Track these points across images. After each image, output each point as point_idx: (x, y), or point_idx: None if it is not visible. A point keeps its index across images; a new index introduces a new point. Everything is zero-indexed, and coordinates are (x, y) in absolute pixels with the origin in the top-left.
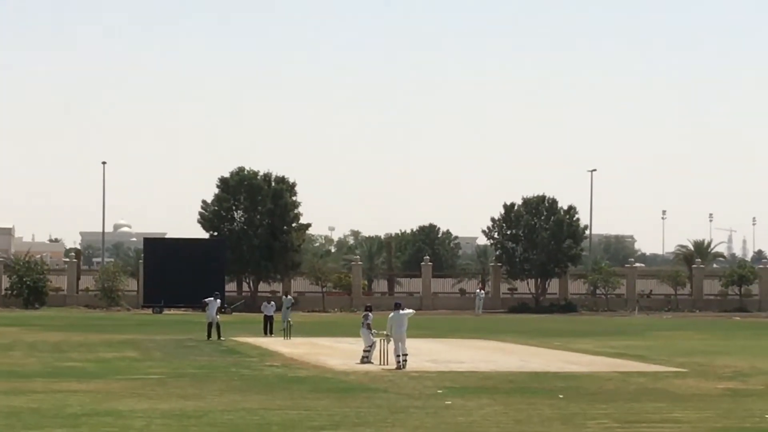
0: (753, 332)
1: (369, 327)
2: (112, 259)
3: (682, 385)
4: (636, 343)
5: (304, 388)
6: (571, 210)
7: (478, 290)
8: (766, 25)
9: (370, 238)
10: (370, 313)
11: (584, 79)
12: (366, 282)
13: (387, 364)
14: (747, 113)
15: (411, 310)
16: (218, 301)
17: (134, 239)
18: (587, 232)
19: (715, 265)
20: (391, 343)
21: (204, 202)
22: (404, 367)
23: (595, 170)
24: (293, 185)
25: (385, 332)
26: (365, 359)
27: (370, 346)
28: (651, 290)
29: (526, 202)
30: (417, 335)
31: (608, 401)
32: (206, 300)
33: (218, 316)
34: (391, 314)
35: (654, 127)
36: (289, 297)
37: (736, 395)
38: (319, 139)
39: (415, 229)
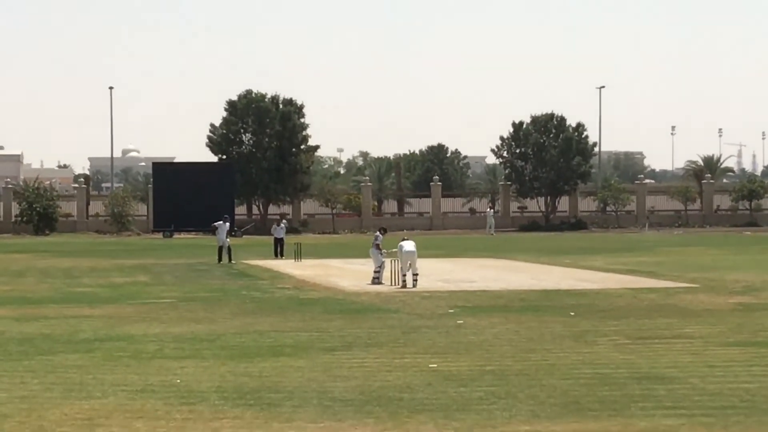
0: (764, 246)
1: (378, 247)
2: (122, 185)
3: (694, 301)
4: (646, 260)
5: (315, 310)
6: (580, 127)
7: (488, 210)
8: None
9: (379, 159)
10: (380, 235)
11: None
12: (376, 203)
13: (397, 284)
14: (757, 29)
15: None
16: (228, 224)
17: (143, 164)
18: (596, 149)
19: (725, 180)
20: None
21: (212, 125)
22: (415, 286)
23: (603, 87)
24: (301, 107)
25: (394, 250)
26: (376, 280)
27: (380, 267)
28: (653, 207)
29: (535, 120)
30: (428, 255)
31: (619, 318)
32: (216, 224)
33: (228, 240)
34: (403, 245)
35: (663, 43)
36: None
37: (748, 309)
38: (326, 60)
39: (424, 149)
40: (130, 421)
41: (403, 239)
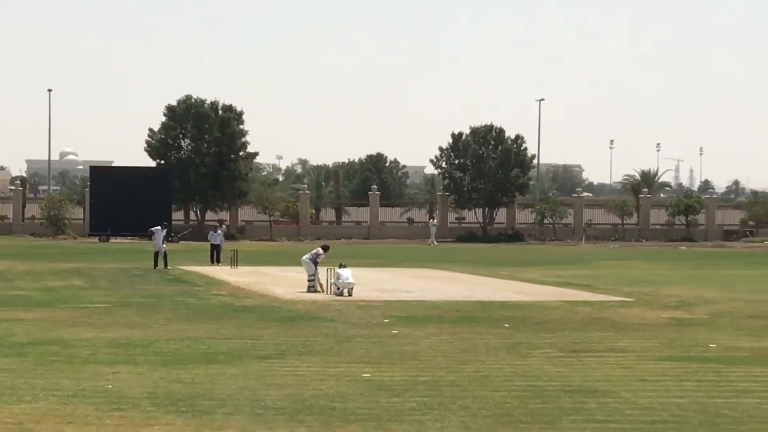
0: (699, 262)
1: (316, 264)
2: (58, 187)
3: (628, 315)
4: (583, 273)
5: (250, 318)
6: (519, 139)
7: (430, 220)
8: None
9: (318, 167)
10: (322, 252)
11: (531, 8)
12: (314, 211)
13: (331, 293)
14: (694, 42)
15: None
16: (165, 230)
17: (81, 167)
18: (535, 161)
19: (662, 195)
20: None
21: (151, 130)
22: (351, 295)
23: (543, 99)
24: (241, 114)
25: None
26: (311, 288)
27: (313, 274)
28: (591, 219)
29: (474, 131)
30: (365, 264)
31: (554, 330)
32: (153, 229)
33: (165, 245)
34: (340, 271)
35: (602, 57)
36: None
37: (681, 324)
38: (267, 67)
39: (363, 158)
40: (60, 426)
41: (341, 265)
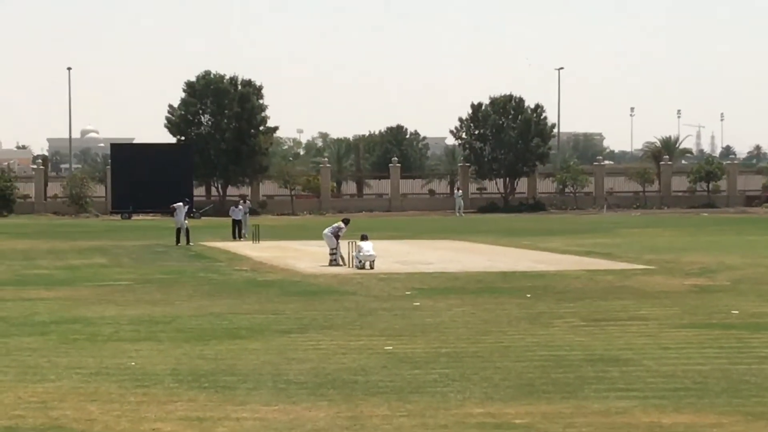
0: (720, 228)
1: (338, 237)
2: (80, 166)
3: (650, 282)
4: (604, 241)
5: (272, 292)
6: (539, 108)
7: (456, 191)
8: None
9: (338, 140)
10: (344, 225)
11: None
12: (335, 184)
13: (353, 266)
14: (716, 12)
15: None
16: (187, 206)
17: (102, 145)
18: (555, 130)
19: (683, 162)
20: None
21: (170, 106)
22: (372, 267)
23: (562, 68)
24: (260, 88)
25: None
26: (333, 262)
27: (335, 248)
28: (612, 188)
29: (494, 101)
30: (386, 237)
31: (575, 300)
32: (175, 205)
33: (187, 221)
34: (361, 244)
35: (621, 23)
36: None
37: (703, 291)
38: (285, 40)
39: (383, 131)
40: (84, 404)
41: (362, 237)
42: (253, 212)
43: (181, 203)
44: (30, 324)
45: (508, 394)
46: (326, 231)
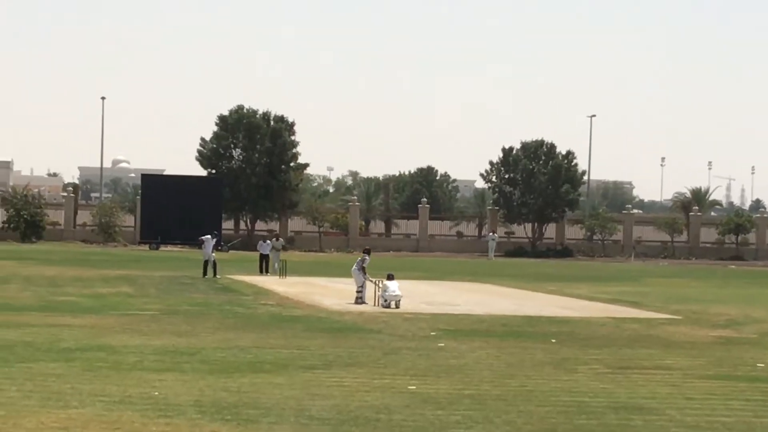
0: (748, 281)
1: (364, 270)
2: (110, 195)
3: (676, 332)
4: (631, 290)
5: (297, 328)
6: (570, 155)
7: (490, 234)
8: None
9: (368, 179)
10: (367, 257)
11: (585, 24)
12: (363, 223)
13: (379, 305)
14: (748, 62)
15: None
16: (215, 239)
17: (132, 175)
18: (585, 177)
19: (712, 213)
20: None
21: (203, 139)
22: (398, 307)
23: (594, 116)
24: (292, 124)
25: (372, 280)
26: (359, 300)
27: (362, 286)
28: (640, 236)
29: (525, 146)
30: (413, 277)
31: (601, 347)
32: (203, 238)
33: (214, 254)
34: (387, 283)
35: (654, 73)
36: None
37: (729, 343)
38: (319, 79)
39: (413, 171)
40: (106, 431)
41: (388, 276)
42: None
43: (209, 236)
44: (55, 350)
45: None
46: (354, 268)
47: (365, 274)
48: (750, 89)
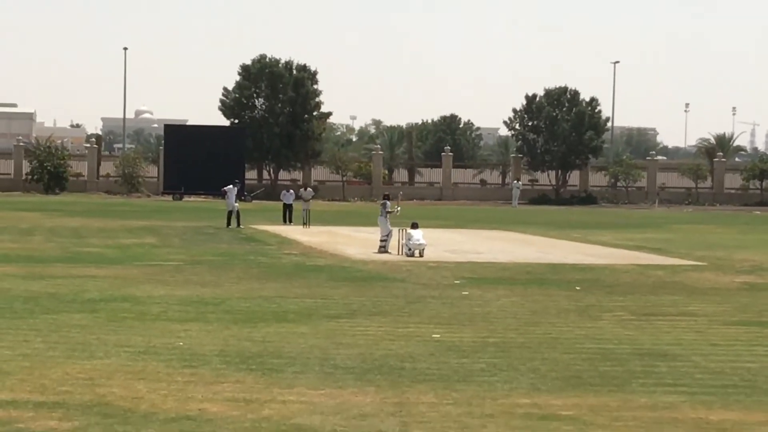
0: None
1: (387, 214)
2: (133, 146)
3: (700, 279)
4: (655, 236)
5: (321, 277)
6: (593, 102)
7: (514, 181)
8: None
9: (391, 128)
10: (387, 201)
11: None
12: (386, 171)
13: (402, 254)
14: None
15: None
16: (237, 189)
17: (155, 126)
18: (609, 124)
19: (737, 159)
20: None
21: (225, 89)
22: (422, 255)
23: (618, 62)
24: (315, 73)
25: (398, 208)
26: (383, 249)
27: (387, 235)
28: (664, 183)
29: (548, 93)
30: (436, 225)
31: (625, 294)
32: (226, 188)
33: (238, 204)
34: (411, 232)
35: (678, 19)
36: (309, 189)
37: (754, 289)
38: (341, 27)
39: (436, 119)
40: (131, 382)
41: (412, 225)
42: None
43: (232, 186)
44: (79, 301)
45: (555, 386)
46: (380, 216)
47: (388, 218)
48: None
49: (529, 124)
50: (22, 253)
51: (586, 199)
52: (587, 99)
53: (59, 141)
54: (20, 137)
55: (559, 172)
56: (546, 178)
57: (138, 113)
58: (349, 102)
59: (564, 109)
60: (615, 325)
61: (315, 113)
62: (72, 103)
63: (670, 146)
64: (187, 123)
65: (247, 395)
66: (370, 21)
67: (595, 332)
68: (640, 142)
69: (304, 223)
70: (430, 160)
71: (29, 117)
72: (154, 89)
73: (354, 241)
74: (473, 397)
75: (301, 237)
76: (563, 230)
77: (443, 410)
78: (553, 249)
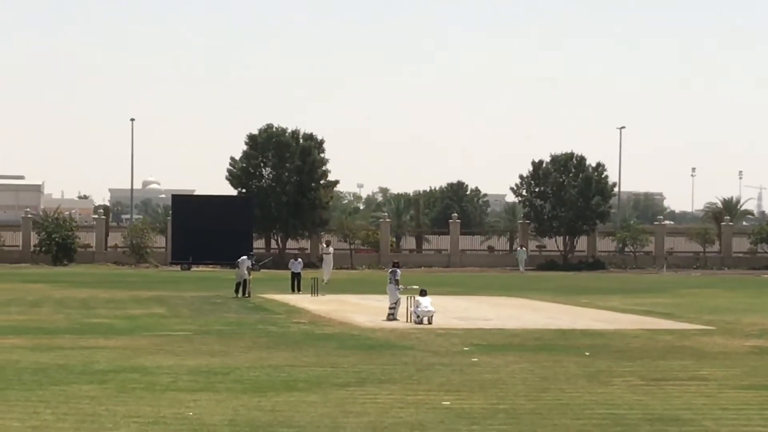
0: None
1: (396, 282)
2: (141, 216)
3: (709, 343)
4: (664, 301)
5: (330, 345)
6: (600, 167)
7: (519, 248)
8: None
9: (398, 195)
10: (398, 270)
11: (613, 35)
12: (394, 239)
13: (411, 321)
14: None
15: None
16: (250, 260)
17: (163, 196)
18: (616, 189)
19: (744, 223)
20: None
21: (232, 158)
22: (431, 323)
23: (624, 127)
24: (321, 142)
25: (413, 286)
26: (391, 316)
27: (396, 303)
28: (672, 248)
29: (555, 159)
30: (445, 292)
31: (635, 359)
32: (240, 260)
33: (251, 276)
34: (419, 299)
35: (684, 84)
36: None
37: (763, 353)
38: (347, 95)
39: (443, 186)
40: None
41: (421, 292)
42: (311, 265)
43: (245, 257)
44: (89, 372)
45: None
46: (389, 284)
47: (398, 286)
48: None
49: (536, 190)
50: (31, 325)
51: (594, 264)
52: (594, 164)
53: (67, 212)
54: (28, 209)
55: (567, 237)
56: (554, 244)
57: (145, 183)
58: (355, 170)
59: (571, 174)
60: (625, 391)
61: (322, 182)
62: (79, 175)
63: (677, 211)
64: (195, 193)
65: None
66: (375, 89)
67: (605, 398)
68: (648, 206)
69: (313, 292)
70: (437, 227)
71: (37, 189)
72: (161, 159)
73: (362, 309)
74: None
75: (309, 305)
76: (571, 296)
77: None
78: (562, 315)
